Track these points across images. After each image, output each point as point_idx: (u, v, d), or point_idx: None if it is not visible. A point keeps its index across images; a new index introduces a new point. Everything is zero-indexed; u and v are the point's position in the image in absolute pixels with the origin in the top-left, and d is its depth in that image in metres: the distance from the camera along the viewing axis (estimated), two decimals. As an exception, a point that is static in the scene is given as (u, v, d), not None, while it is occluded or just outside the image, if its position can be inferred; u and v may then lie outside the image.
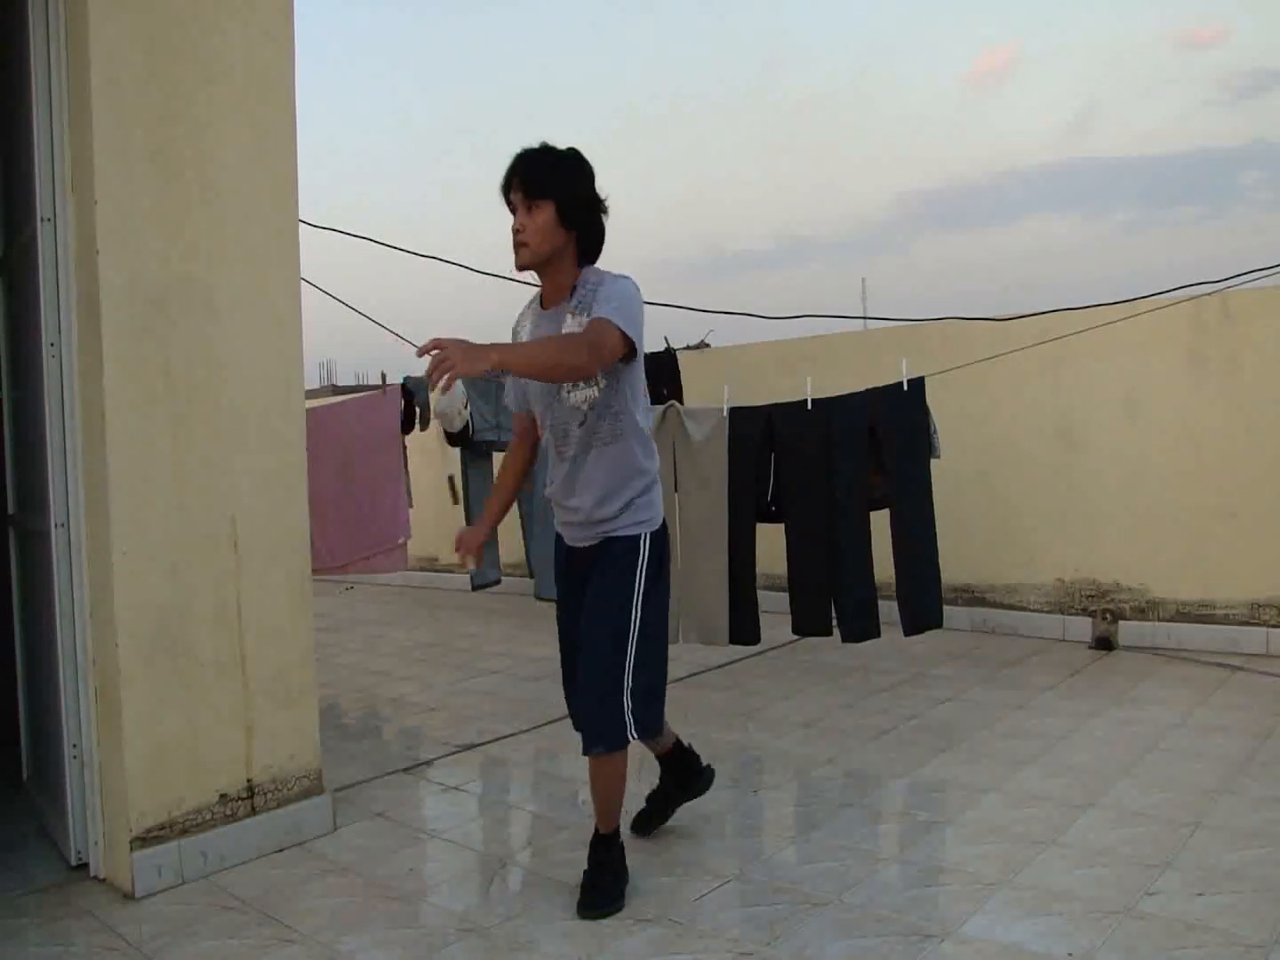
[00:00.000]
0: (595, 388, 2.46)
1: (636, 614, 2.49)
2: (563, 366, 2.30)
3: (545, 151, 2.45)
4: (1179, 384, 4.87)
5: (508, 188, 2.44)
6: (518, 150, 2.47)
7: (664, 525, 2.62)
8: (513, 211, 2.45)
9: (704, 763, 3.05)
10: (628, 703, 2.47)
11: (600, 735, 2.48)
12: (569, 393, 2.48)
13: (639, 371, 2.53)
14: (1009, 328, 4.89)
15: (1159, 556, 4.93)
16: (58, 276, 2.71)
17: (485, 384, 5.29)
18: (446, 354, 2.05)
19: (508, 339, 2.63)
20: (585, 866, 2.58)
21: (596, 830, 2.61)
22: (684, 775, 3.00)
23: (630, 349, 2.39)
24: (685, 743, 3.01)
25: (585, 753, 2.51)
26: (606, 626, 2.48)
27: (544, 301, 2.56)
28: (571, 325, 2.43)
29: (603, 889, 2.53)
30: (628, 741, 2.50)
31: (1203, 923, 2.27)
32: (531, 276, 2.55)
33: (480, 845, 3.00)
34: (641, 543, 2.52)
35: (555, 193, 2.40)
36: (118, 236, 2.62)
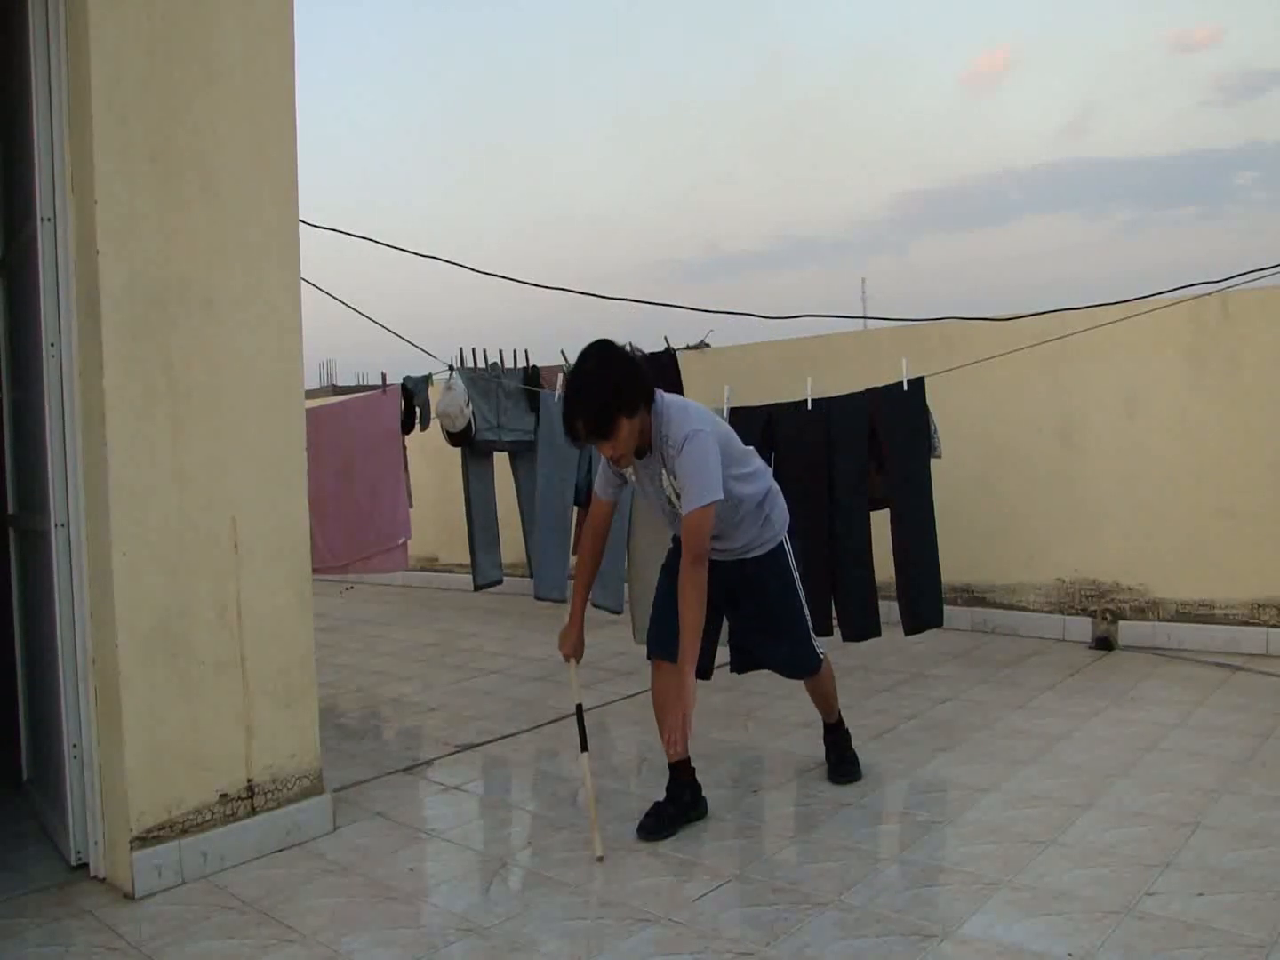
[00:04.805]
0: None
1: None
2: (703, 588, 2.77)
3: (589, 399, 2.68)
4: (1178, 384, 4.87)
5: (579, 439, 2.76)
6: (566, 395, 2.75)
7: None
8: (595, 446, 2.79)
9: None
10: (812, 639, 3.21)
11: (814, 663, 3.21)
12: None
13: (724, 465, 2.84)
14: (1009, 328, 4.89)
15: (1159, 556, 4.93)
16: (58, 276, 2.71)
17: (486, 384, 5.29)
18: (685, 715, 2.71)
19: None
20: (829, 754, 3.36)
21: (828, 723, 3.38)
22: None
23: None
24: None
25: (809, 676, 3.24)
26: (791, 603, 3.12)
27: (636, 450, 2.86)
28: (668, 484, 2.84)
29: (851, 761, 3.33)
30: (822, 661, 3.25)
31: (1203, 923, 2.27)
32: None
33: (480, 845, 3.00)
34: (783, 547, 3.12)
35: (619, 415, 2.69)
36: (118, 236, 2.62)
